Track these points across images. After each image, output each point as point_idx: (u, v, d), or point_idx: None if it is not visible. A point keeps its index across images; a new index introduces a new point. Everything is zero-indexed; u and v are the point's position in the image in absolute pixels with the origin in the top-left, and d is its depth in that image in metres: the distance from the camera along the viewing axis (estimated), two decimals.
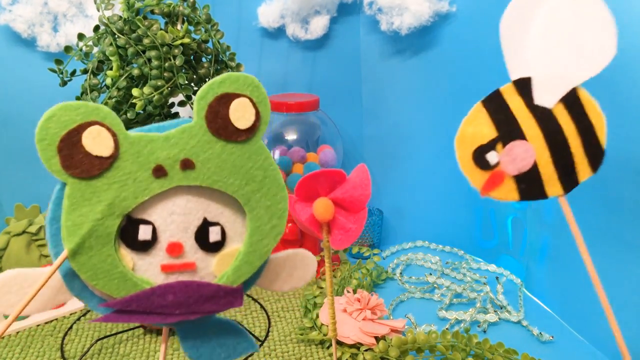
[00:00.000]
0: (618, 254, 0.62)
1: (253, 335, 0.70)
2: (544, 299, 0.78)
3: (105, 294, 0.37)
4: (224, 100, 0.36)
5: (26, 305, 0.35)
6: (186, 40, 0.66)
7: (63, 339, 0.69)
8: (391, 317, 0.74)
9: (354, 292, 0.73)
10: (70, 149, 0.33)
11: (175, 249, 0.37)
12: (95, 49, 0.69)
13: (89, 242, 0.35)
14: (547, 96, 0.42)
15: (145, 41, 0.64)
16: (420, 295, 0.80)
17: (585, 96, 0.42)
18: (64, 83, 0.70)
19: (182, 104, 0.72)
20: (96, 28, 0.68)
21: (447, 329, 0.71)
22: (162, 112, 0.70)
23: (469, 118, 0.44)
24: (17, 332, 0.70)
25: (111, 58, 0.65)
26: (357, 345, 0.65)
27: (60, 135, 0.33)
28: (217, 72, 0.71)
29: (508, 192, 0.43)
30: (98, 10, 0.66)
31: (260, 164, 0.38)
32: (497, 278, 0.80)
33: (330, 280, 0.50)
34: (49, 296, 0.36)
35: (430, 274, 0.83)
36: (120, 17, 0.65)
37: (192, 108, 0.72)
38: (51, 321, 0.72)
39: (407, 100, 0.92)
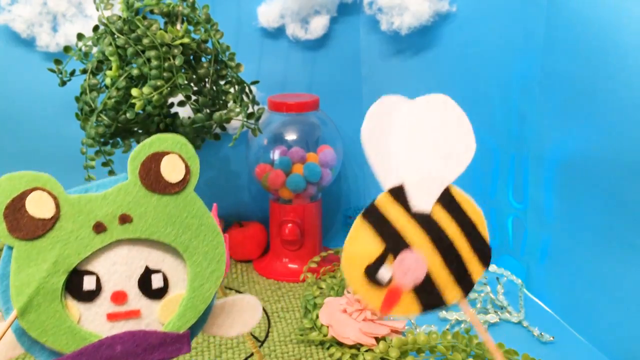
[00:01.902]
0: (618, 254, 0.62)
1: (253, 335, 0.70)
2: (545, 299, 0.77)
3: (55, 350, 0.38)
4: (155, 158, 0.39)
5: None
6: (186, 40, 0.65)
7: None
8: (391, 318, 0.74)
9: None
10: (15, 214, 0.37)
11: (119, 297, 0.39)
12: (95, 49, 0.69)
13: (36, 299, 0.37)
14: (424, 200, 0.41)
15: (145, 41, 0.63)
16: None
17: (458, 194, 0.41)
18: (63, 83, 0.70)
19: (181, 104, 0.72)
20: (95, 28, 0.68)
21: (447, 329, 0.71)
22: (162, 112, 0.70)
23: (352, 235, 0.41)
24: None
25: (110, 58, 0.65)
26: (357, 346, 0.64)
27: (6, 202, 0.36)
28: (217, 72, 0.71)
29: (409, 307, 0.41)
30: (97, 10, 0.66)
31: (194, 212, 0.41)
32: (497, 278, 0.80)
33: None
34: (4, 351, 0.38)
35: None
36: (120, 17, 0.65)
37: (191, 108, 0.72)
38: None
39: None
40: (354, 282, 0.41)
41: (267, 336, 0.70)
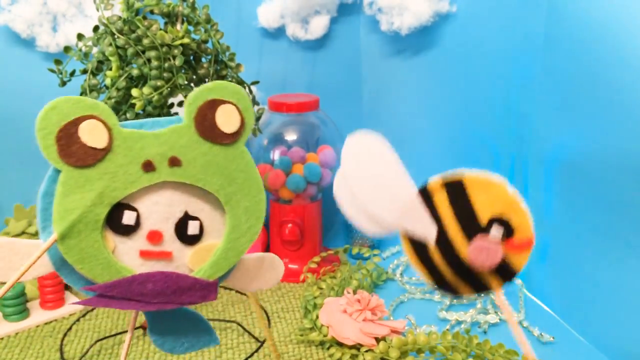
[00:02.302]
0: (618, 254, 0.62)
1: (252, 335, 0.70)
2: (545, 299, 0.77)
3: (88, 278, 0.39)
4: (212, 106, 0.39)
5: (17, 279, 0.38)
6: (186, 40, 0.66)
7: (62, 339, 0.69)
8: (391, 318, 0.74)
9: (354, 292, 0.73)
10: (68, 139, 0.36)
11: (155, 236, 0.40)
12: (95, 49, 0.69)
13: (78, 227, 0.37)
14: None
15: (145, 41, 0.63)
16: (421, 296, 0.80)
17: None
18: (63, 83, 0.70)
19: (181, 104, 0.72)
20: (95, 28, 0.68)
21: (447, 329, 0.71)
22: (162, 113, 0.70)
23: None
24: (17, 333, 0.70)
25: (110, 58, 0.65)
26: (357, 346, 0.64)
27: (60, 125, 0.36)
28: (217, 72, 0.71)
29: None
30: (97, 11, 0.66)
31: (242, 167, 0.41)
32: None
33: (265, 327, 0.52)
34: (34, 267, 0.39)
35: None
36: (120, 17, 0.65)
37: None
38: (50, 322, 0.72)
39: (408, 100, 0.92)
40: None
41: None
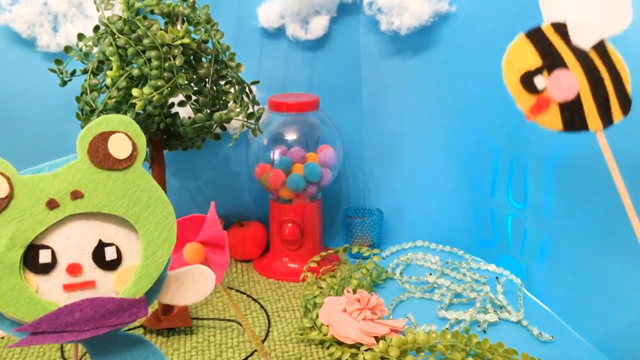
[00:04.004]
0: (618, 254, 0.62)
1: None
2: (544, 298, 0.78)
3: (18, 321, 0.40)
4: (102, 137, 0.42)
5: None
6: (186, 40, 0.66)
7: None
8: (391, 317, 0.74)
9: (354, 292, 0.73)
10: None
11: (74, 269, 0.42)
12: (95, 49, 0.69)
13: None
14: (582, 40, 0.45)
15: (145, 41, 0.64)
16: (420, 295, 0.80)
17: (612, 50, 0.46)
18: (64, 83, 0.70)
19: (182, 104, 0.72)
20: (96, 28, 0.68)
21: (447, 328, 0.71)
22: (162, 112, 0.70)
23: (514, 47, 0.47)
24: None
25: (111, 58, 0.65)
26: (357, 345, 0.65)
27: None
28: (217, 72, 0.71)
29: (553, 119, 0.46)
30: (98, 11, 0.66)
31: (143, 186, 0.43)
32: (497, 278, 0.80)
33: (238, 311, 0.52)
34: None
35: (430, 274, 0.83)
36: (120, 17, 0.65)
37: (191, 108, 0.72)
38: None
39: (407, 100, 0.92)
40: (510, 83, 0.47)
41: (267, 335, 0.70)
